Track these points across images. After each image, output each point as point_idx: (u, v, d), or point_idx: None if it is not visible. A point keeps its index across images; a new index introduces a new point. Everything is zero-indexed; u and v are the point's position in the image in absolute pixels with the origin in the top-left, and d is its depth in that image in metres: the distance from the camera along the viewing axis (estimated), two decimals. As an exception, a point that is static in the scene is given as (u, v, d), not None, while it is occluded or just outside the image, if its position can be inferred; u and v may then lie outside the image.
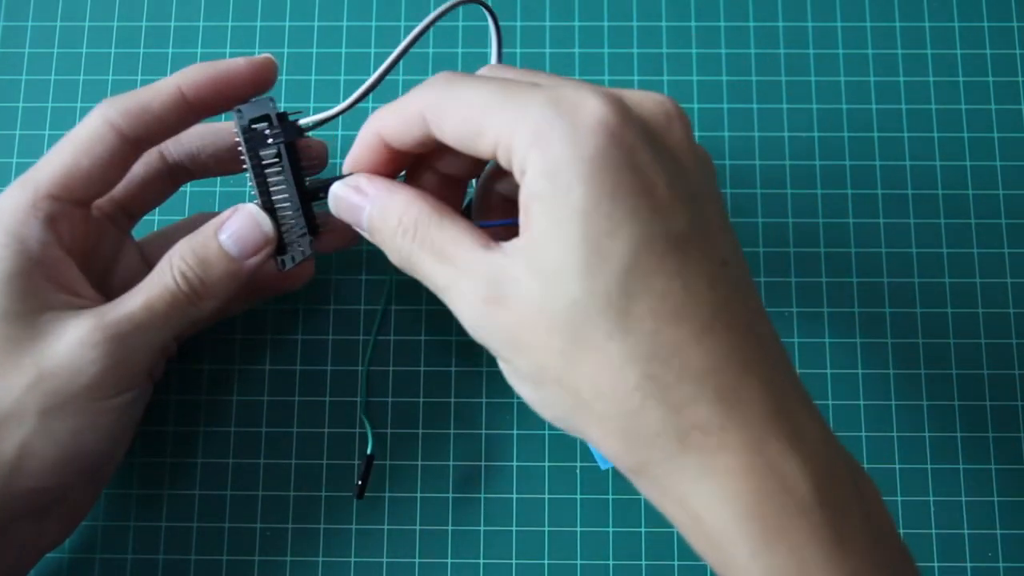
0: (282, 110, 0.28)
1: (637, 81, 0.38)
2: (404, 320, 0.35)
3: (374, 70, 0.28)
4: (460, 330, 0.35)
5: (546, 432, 0.34)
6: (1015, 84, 0.37)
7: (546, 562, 0.33)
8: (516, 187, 0.29)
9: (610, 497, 0.34)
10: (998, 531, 0.33)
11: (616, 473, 0.34)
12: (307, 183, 0.29)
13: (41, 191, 0.27)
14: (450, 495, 0.34)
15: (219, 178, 0.37)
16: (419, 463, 0.34)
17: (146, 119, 0.28)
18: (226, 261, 0.28)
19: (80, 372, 0.26)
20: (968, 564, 0.33)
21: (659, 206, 0.22)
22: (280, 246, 0.29)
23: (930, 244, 0.36)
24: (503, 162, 0.24)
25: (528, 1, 0.39)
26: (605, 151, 0.22)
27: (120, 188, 0.31)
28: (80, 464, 0.27)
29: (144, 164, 0.31)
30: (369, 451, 0.33)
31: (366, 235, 0.27)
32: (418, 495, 0.34)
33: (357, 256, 0.36)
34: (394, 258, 0.26)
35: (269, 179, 0.28)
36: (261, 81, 0.29)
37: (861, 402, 0.35)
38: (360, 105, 0.29)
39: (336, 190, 0.27)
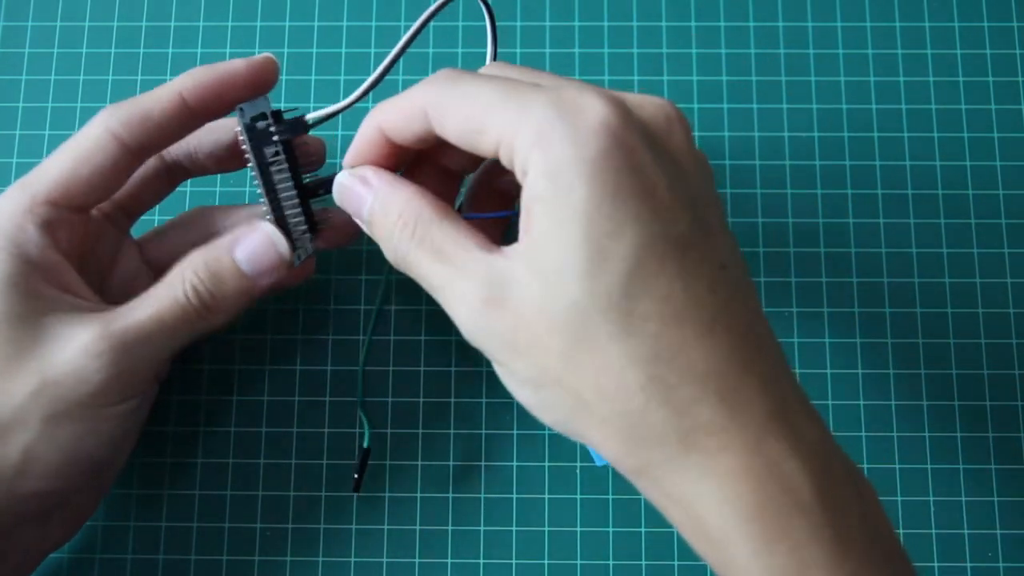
0: (274, 108, 0.28)
1: (637, 81, 0.38)
2: (404, 320, 0.35)
3: (374, 70, 0.28)
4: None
5: (546, 432, 0.34)
6: (1015, 84, 0.37)
7: (546, 562, 0.33)
8: (512, 183, 0.29)
9: (610, 497, 0.34)
10: (998, 531, 0.33)
11: (616, 473, 0.34)
12: (305, 181, 0.29)
13: (39, 196, 0.27)
14: (450, 495, 0.34)
15: (219, 177, 0.37)
16: (419, 463, 0.34)
17: (148, 127, 0.28)
18: (239, 278, 0.28)
19: (84, 380, 0.26)
20: (968, 564, 0.33)
21: (660, 208, 0.22)
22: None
23: (930, 244, 0.36)
24: (505, 161, 0.24)
25: (528, 1, 0.39)
26: (607, 152, 0.22)
27: None
28: (84, 468, 0.27)
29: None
30: (366, 444, 0.33)
31: (365, 227, 0.27)
32: (418, 495, 0.34)
33: (357, 256, 0.36)
34: (390, 254, 0.26)
35: (273, 176, 0.28)
36: (263, 82, 0.28)
37: (861, 402, 0.35)
38: (359, 104, 0.29)
39: (342, 178, 0.27)
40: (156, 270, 0.31)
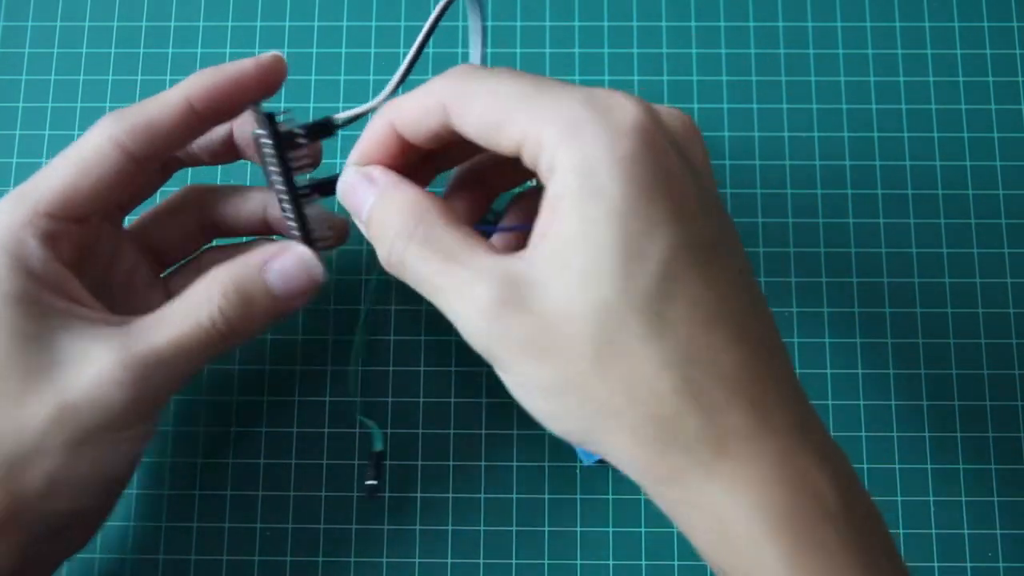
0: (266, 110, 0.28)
1: (637, 81, 0.38)
2: (404, 320, 0.35)
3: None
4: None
5: (546, 432, 0.34)
6: (1015, 84, 0.37)
7: (546, 562, 0.33)
8: (500, 183, 0.28)
9: (610, 497, 0.34)
10: (998, 531, 0.33)
11: (616, 473, 0.34)
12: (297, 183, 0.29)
13: (39, 208, 0.26)
14: (450, 495, 0.34)
15: (219, 169, 0.37)
16: (419, 463, 0.34)
17: (154, 135, 0.26)
18: (269, 300, 0.27)
19: (105, 407, 0.25)
20: (968, 564, 0.33)
21: (689, 212, 0.22)
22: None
23: (930, 244, 0.36)
24: (527, 157, 0.23)
25: (528, 1, 0.39)
26: (641, 152, 0.21)
27: None
28: (105, 487, 0.27)
29: None
30: (379, 447, 0.32)
31: (363, 227, 0.26)
32: (418, 495, 0.34)
33: (357, 256, 0.36)
34: (386, 254, 0.24)
35: (296, 184, 0.27)
36: (271, 82, 0.27)
37: (861, 402, 0.35)
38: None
39: (348, 176, 0.26)
40: (153, 257, 0.31)
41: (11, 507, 0.25)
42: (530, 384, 0.23)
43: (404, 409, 0.35)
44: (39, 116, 0.38)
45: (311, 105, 0.37)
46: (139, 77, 0.38)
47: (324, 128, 0.27)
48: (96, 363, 0.25)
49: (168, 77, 0.38)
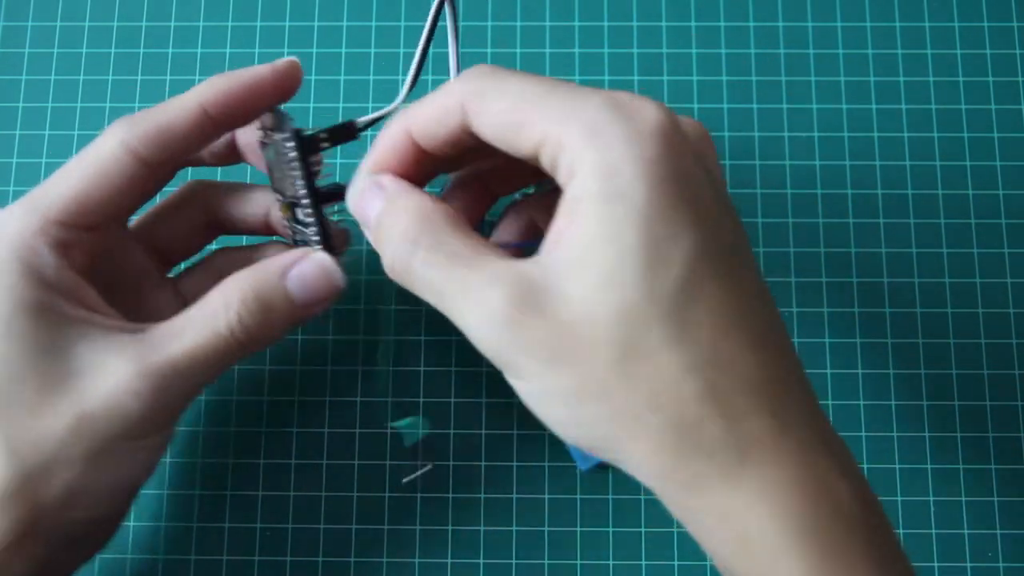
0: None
1: (637, 81, 0.38)
2: (404, 320, 0.35)
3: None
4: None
5: (546, 432, 0.34)
6: (1015, 84, 0.37)
7: (546, 562, 0.33)
8: (499, 187, 0.28)
9: (610, 497, 0.34)
10: (998, 531, 0.33)
11: (616, 473, 0.34)
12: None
13: (51, 216, 0.26)
14: (450, 495, 0.34)
15: (219, 169, 0.37)
16: (419, 463, 0.34)
17: (168, 142, 0.26)
18: (289, 307, 0.26)
19: (123, 418, 0.25)
20: (968, 564, 0.33)
21: (710, 217, 0.22)
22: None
23: (930, 244, 0.36)
24: (545, 159, 0.22)
25: (528, 1, 0.39)
26: (665, 156, 0.21)
27: None
28: (125, 495, 0.27)
29: None
30: (423, 433, 0.32)
31: (370, 234, 0.25)
32: (418, 495, 0.34)
33: (357, 256, 0.36)
34: (391, 260, 0.24)
35: (304, 182, 0.26)
36: (287, 88, 0.27)
37: (861, 402, 0.35)
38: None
39: (358, 183, 0.25)
40: (158, 257, 0.31)
41: (31, 518, 0.25)
42: (546, 391, 0.22)
43: (404, 409, 0.35)
44: (39, 116, 0.38)
45: (311, 105, 0.37)
46: (139, 77, 0.38)
47: (346, 131, 0.27)
48: (113, 373, 0.25)
49: (168, 77, 0.38)
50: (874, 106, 0.37)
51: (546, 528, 0.34)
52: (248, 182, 0.36)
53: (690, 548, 0.33)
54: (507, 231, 0.29)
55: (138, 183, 0.26)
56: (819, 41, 0.38)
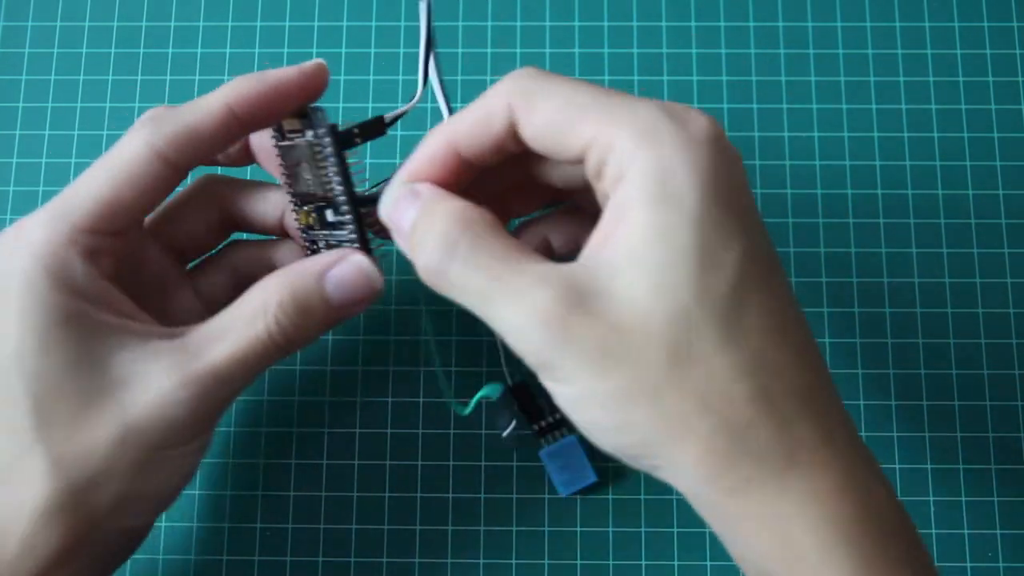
0: None
1: (637, 81, 0.38)
2: (404, 320, 0.35)
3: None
4: (460, 330, 0.35)
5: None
6: (1015, 84, 0.37)
7: (546, 562, 0.33)
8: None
9: (610, 497, 0.34)
10: (998, 531, 0.33)
11: (616, 473, 0.34)
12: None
13: (80, 225, 0.25)
14: (450, 495, 0.34)
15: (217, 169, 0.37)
16: (419, 463, 0.34)
17: (194, 143, 0.26)
18: (327, 309, 0.26)
19: (167, 428, 0.25)
20: (968, 564, 0.33)
21: (756, 226, 0.22)
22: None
23: (930, 244, 0.36)
24: (591, 161, 0.22)
25: (528, 1, 0.39)
26: (717, 163, 0.21)
27: None
28: (167, 499, 0.27)
29: None
30: (495, 395, 0.32)
31: (402, 241, 0.25)
32: (418, 495, 0.34)
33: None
34: (424, 265, 0.23)
35: (340, 179, 0.26)
36: (314, 89, 0.27)
37: (861, 402, 0.35)
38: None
39: (394, 190, 0.25)
40: (174, 255, 0.30)
41: (80, 531, 0.24)
42: (589, 394, 0.22)
43: (403, 409, 0.35)
44: (39, 116, 0.38)
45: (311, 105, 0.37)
46: (139, 77, 0.38)
47: (376, 127, 0.26)
48: (156, 383, 0.25)
49: (168, 77, 0.38)
50: (874, 106, 0.37)
51: (546, 528, 0.34)
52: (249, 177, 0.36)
53: (690, 548, 0.33)
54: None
55: (164, 185, 0.26)
56: (819, 41, 0.38)
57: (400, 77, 0.37)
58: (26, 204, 0.37)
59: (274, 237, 0.32)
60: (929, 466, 0.34)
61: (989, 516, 0.34)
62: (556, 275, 0.22)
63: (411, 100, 0.27)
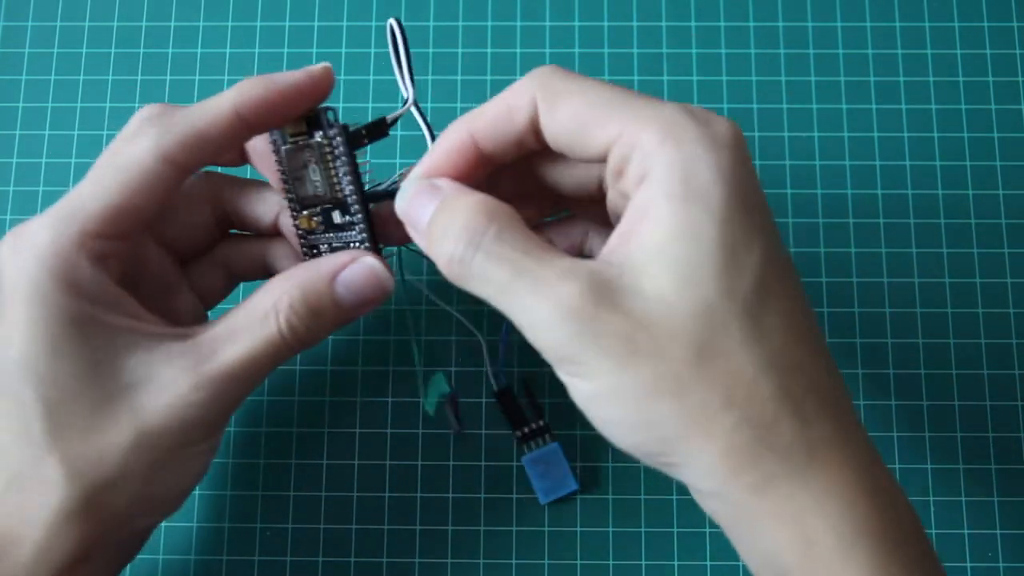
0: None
1: (637, 81, 0.38)
2: (403, 320, 0.35)
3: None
4: (460, 330, 0.35)
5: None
6: (1015, 84, 0.37)
7: (546, 562, 0.33)
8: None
9: (610, 497, 0.34)
10: (998, 531, 0.33)
11: (616, 473, 0.34)
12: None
13: (88, 230, 0.25)
14: (450, 495, 0.34)
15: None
16: (419, 463, 0.34)
17: (202, 146, 0.25)
18: (337, 311, 0.26)
19: (181, 429, 0.25)
20: (968, 564, 0.33)
21: (773, 226, 0.23)
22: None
23: (930, 244, 0.36)
24: (614, 161, 0.23)
25: (528, 1, 0.39)
26: (739, 165, 0.22)
27: None
28: (182, 497, 0.27)
29: None
30: (447, 390, 0.33)
31: (420, 236, 0.25)
32: (418, 495, 0.34)
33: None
34: (447, 258, 0.23)
35: (350, 179, 0.26)
36: (320, 92, 0.26)
37: (861, 402, 0.35)
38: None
39: (412, 185, 0.25)
40: (175, 254, 0.30)
41: (95, 535, 0.25)
42: (610, 389, 0.22)
43: (404, 409, 0.35)
44: (39, 116, 0.38)
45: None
46: (139, 77, 0.38)
47: (380, 128, 0.27)
48: (170, 385, 0.25)
49: (168, 77, 0.38)
50: (874, 106, 0.37)
51: (546, 528, 0.34)
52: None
53: (690, 548, 0.33)
54: None
55: (170, 187, 0.26)
56: (819, 41, 0.38)
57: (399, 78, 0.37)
58: (26, 204, 0.37)
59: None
60: (929, 466, 0.34)
61: (989, 516, 0.34)
62: (582, 269, 0.22)
63: (403, 104, 0.27)
